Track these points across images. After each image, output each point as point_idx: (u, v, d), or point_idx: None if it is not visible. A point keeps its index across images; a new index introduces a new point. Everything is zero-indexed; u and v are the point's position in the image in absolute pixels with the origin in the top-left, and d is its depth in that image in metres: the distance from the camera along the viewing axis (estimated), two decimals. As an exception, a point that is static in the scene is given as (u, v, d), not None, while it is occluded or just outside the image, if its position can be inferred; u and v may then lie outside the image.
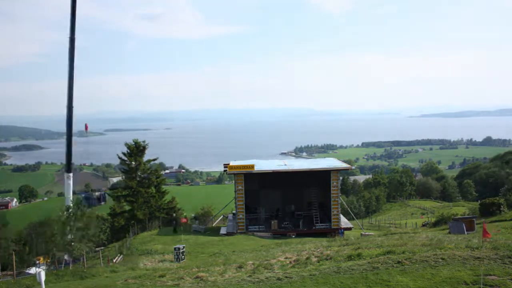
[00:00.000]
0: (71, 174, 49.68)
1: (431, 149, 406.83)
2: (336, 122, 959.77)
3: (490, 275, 14.58)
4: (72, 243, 31.37)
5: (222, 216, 60.18)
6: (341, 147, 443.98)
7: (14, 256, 26.79)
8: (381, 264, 16.69)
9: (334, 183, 46.38)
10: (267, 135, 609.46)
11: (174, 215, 41.92)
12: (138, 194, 55.44)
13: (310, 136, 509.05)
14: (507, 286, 13.68)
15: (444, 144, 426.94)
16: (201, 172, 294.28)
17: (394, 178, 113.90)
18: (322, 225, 46.78)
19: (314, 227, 46.30)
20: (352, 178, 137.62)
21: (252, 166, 46.28)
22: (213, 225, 54.80)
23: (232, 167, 46.85)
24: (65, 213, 33.82)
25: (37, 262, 30.26)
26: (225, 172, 53.75)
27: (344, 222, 49.27)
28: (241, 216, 45.95)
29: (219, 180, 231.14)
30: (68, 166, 49.92)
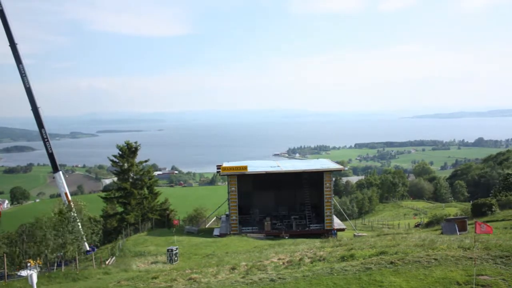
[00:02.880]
0: (60, 172, 49.26)
1: (423, 150, 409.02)
2: (329, 123, 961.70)
3: (482, 275, 14.67)
4: (65, 245, 31.26)
5: (215, 218, 60.12)
6: (334, 148, 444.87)
7: (5, 259, 26.58)
8: (374, 265, 16.73)
9: (327, 184, 46.48)
10: (260, 137, 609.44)
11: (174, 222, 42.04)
12: (130, 195, 55.23)
13: (303, 137, 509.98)
14: (499, 286, 13.77)
15: (437, 145, 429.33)
16: (194, 174, 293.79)
17: (387, 179, 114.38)
18: (316, 226, 46.87)
19: (307, 228, 46.36)
20: (345, 179, 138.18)
21: (245, 167, 46.28)
22: (206, 226, 54.74)
23: (225, 168, 46.83)
24: (57, 215, 33.71)
25: (29, 264, 30.04)
26: (218, 174, 53.75)
27: (337, 223, 49.38)
28: (234, 217, 45.92)
29: (212, 181, 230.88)
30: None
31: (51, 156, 47.68)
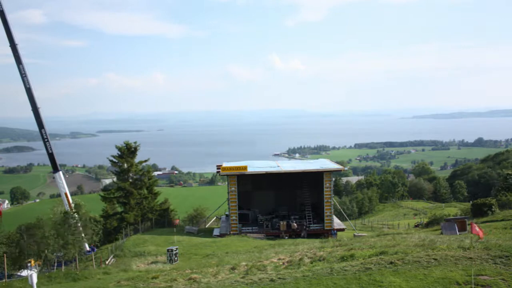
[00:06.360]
0: (60, 172, 49.20)
1: (423, 150, 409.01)
2: (329, 123, 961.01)
3: (482, 275, 14.70)
4: (65, 245, 31.24)
5: (215, 218, 60.12)
6: (334, 148, 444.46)
7: (5, 259, 26.57)
8: (374, 265, 16.76)
9: (327, 184, 46.49)
10: (259, 137, 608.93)
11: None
12: (130, 195, 55.24)
13: (303, 138, 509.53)
14: (498, 285, 13.80)
15: (436, 145, 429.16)
16: (194, 174, 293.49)
17: (387, 179, 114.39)
18: (315, 226, 46.90)
19: (307, 228, 46.36)
20: (344, 179, 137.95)
21: (245, 168, 46.26)
22: (206, 226, 54.74)
23: (225, 168, 46.81)
24: (58, 215, 33.71)
25: (29, 264, 30.05)
26: (218, 173, 53.72)
27: (337, 223, 49.38)
28: (234, 217, 45.92)
29: (212, 181, 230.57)
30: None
31: (51, 156, 47.75)
